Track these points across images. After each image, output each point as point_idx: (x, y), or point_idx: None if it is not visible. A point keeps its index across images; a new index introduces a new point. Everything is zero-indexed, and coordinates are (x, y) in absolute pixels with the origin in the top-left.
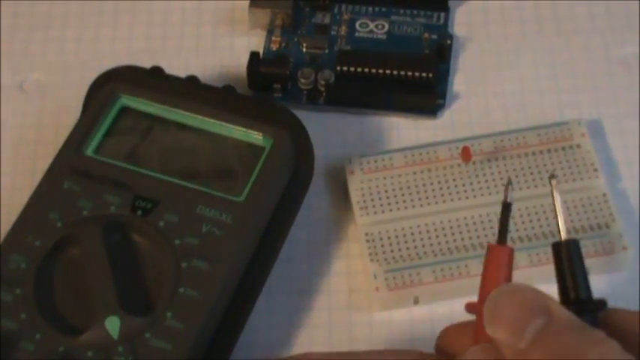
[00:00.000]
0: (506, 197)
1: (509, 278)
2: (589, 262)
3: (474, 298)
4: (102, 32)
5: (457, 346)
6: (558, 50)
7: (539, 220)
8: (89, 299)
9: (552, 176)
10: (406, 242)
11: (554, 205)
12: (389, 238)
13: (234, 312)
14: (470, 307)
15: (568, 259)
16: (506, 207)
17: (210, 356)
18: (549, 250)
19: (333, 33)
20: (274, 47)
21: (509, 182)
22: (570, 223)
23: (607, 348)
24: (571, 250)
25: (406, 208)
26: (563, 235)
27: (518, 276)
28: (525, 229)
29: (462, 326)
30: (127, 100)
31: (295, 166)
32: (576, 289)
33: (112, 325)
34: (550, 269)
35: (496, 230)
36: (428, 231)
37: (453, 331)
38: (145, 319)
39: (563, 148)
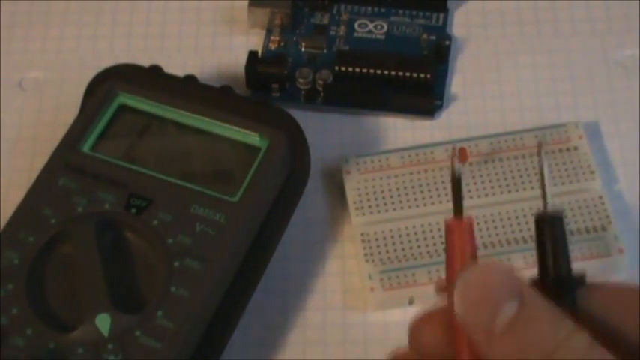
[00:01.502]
0: (453, 170)
1: (474, 250)
2: (585, 265)
3: None
4: (101, 30)
5: (429, 337)
6: (556, 52)
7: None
8: (81, 296)
9: (541, 144)
10: (402, 243)
11: (541, 173)
12: (384, 238)
13: (225, 312)
14: (440, 287)
15: (550, 234)
16: (457, 181)
17: (201, 355)
18: None
19: (331, 33)
20: (273, 47)
21: (454, 153)
22: (566, 225)
23: (575, 341)
24: (554, 224)
25: (402, 208)
26: (548, 208)
27: None
28: (521, 231)
29: (431, 315)
30: (124, 99)
31: (291, 168)
32: (557, 266)
33: (103, 322)
34: None
35: (492, 231)
36: (424, 232)
37: (423, 320)
38: (136, 317)
39: (560, 150)
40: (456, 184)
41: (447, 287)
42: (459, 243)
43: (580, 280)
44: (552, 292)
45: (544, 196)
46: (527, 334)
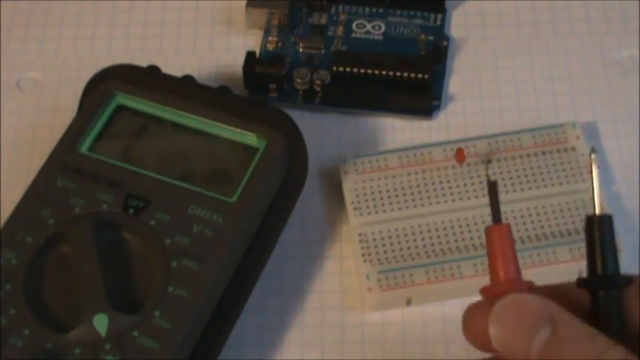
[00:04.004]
0: (488, 176)
1: (514, 254)
2: (583, 265)
3: (467, 300)
4: (99, 31)
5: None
6: (554, 53)
7: (532, 222)
8: (78, 296)
9: (593, 150)
10: (399, 243)
11: (592, 179)
12: (382, 238)
13: (223, 312)
14: (485, 292)
15: (600, 234)
16: (492, 185)
17: (199, 356)
18: (545, 251)
19: (329, 33)
20: (271, 47)
21: (489, 160)
22: (564, 225)
23: (611, 354)
24: (603, 225)
25: (400, 209)
26: (597, 210)
27: None
28: (519, 231)
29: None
30: (122, 99)
31: (289, 168)
32: (604, 264)
33: (101, 322)
34: (548, 270)
35: None
36: (421, 232)
37: (474, 312)
38: (134, 318)
39: (558, 151)
40: (492, 189)
41: (489, 289)
42: (500, 246)
43: (627, 279)
44: (600, 289)
45: (594, 200)
46: (563, 354)
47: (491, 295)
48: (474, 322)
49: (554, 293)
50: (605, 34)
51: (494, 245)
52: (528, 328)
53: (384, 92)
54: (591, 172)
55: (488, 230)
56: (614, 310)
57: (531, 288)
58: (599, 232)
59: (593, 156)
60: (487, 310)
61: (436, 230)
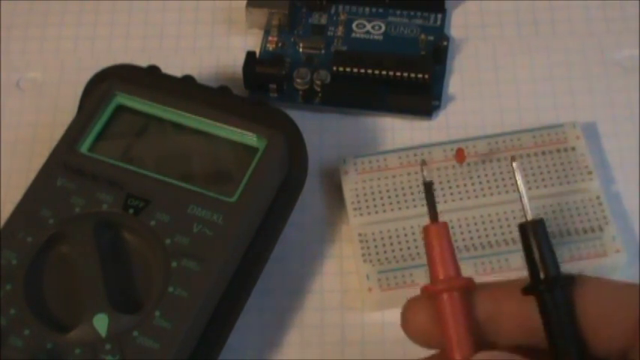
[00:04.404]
0: (424, 177)
1: (452, 252)
2: (582, 265)
3: None
4: (99, 31)
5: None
6: (554, 52)
7: None
8: (79, 296)
9: (513, 158)
10: (399, 243)
11: (518, 186)
12: (382, 238)
13: (223, 312)
14: (425, 290)
15: (535, 238)
16: (428, 186)
17: (199, 356)
18: None
19: (329, 33)
20: (271, 47)
21: (423, 162)
22: (564, 225)
23: None
24: (537, 229)
25: (400, 209)
26: (529, 216)
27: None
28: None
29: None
30: (122, 99)
31: (289, 168)
32: (545, 268)
33: (101, 322)
34: None
35: (490, 232)
36: (421, 232)
37: (412, 306)
38: (134, 318)
39: (558, 151)
40: (428, 189)
41: (430, 288)
42: (439, 243)
43: (570, 279)
44: (545, 292)
45: (523, 207)
46: None
47: (430, 293)
48: (414, 317)
49: (497, 293)
50: (605, 34)
51: (432, 244)
52: None
53: (384, 92)
54: (516, 181)
55: (425, 229)
56: (562, 310)
57: (470, 285)
58: (534, 237)
59: (514, 164)
60: (426, 305)
61: None
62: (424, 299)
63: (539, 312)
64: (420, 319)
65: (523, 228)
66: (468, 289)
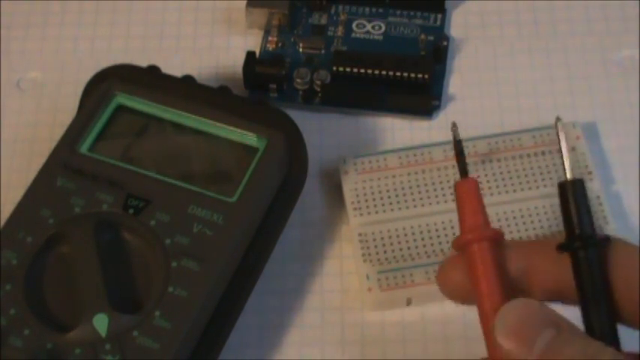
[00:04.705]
0: (455, 136)
1: (481, 205)
2: None
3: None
4: (99, 31)
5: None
6: (554, 52)
7: (532, 222)
8: (79, 296)
9: (558, 119)
10: (399, 243)
11: (560, 146)
12: (382, 238)
13: (223, 312)
14: (455, 242)
15: (573, 198)
16: (458, 143)
17: (199, 356)
18: None
19: (329, 33)
20: (271, 47)
21: (455, 125)
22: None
23: (603, 355)
24: (576, 189)
25: (400, 209)
26: (569, 175)
27: None
28: (519, 231)
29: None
30: (122, 99)
31: (289, 168)
32: (582, 227)
33: (101, 322)
34: None
35: None
36: (421, 232)
37: (449, 266)
38: (134, 318)
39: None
40: (458, 147)
41: (459, 242)
42: (468, 198)
43: (605, 239)
44: (579, 250)
45: (564, 166)
46: (563, 355)
47: (460, 244)
48: (449, 275)
49: (530, 249)
50: (605, 34)
51: (462, 198)
52: (533, 329)
53: (384, 92)
54: (559, 139)
55: (456, 185)
56: (596, 269)
57: (499, 236)
58: (572, 196)
59: (559, 124)
60: (459, 262)
61: (436, 230)
62: (458, 257)
63: (573, 270)
64: (455, 276)
65: (563, 187)
66: (497, 240)
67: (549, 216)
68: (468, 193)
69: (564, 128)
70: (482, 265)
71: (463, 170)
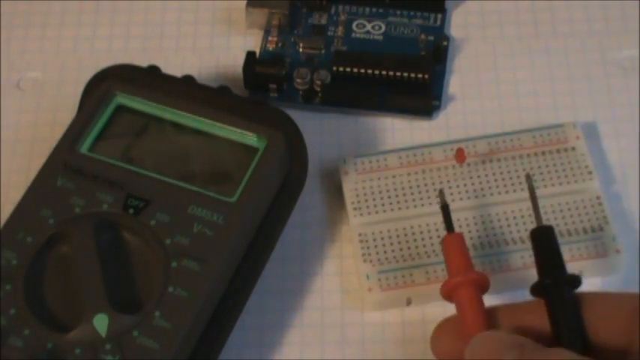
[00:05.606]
0: (441, 202)
1: (469, 259)
2: (583, 265)
3: None
4: (99, 31)
5: (447, 346)
6: (554, 52)
7: (532, 222)
8: (79, 296)
9: (529, 176)
10: (399, 243)
11: (532, 198)
12: (382, 238)
13: (223, 312)
14: (445, 292)
15: (546, 243)
16: (445, 208)
17: (199, 356)
18: None
19: (329, 33)
20: (271, 47)
21: (442, 192)
22: (564, 225)
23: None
24: (549, 234)
25: (400, 209)
26: (541, 222)
27: (514, 277)
28: (519, 232)
29: (447, 325)
30: (122, 99)
31: (289, 168)
32: (554, 269)
33: (101, 322)
34: None
35: (490, 232)
36: (421, 232)
37: (440, 331)
38: (134, 318)
39: (558, 151)
40: (445, 211)
41: (448, 288)
42: (456, 251)
43: (577, 279)
44: (553, 292)
45: (537, 213)
46: None
47: (449, 288)
48: (439, 341)
49: (510, 313)
50: (605, 34)
51: (448, 251)
52: (498, 352)
53: (384, 92)
54: (530, 193)
55: (443, 239)
56: (570, 308)
57: (484, 279)
58: (545, 241)
59: (529, 182)
60: (448, 328)
61: (436, 230)
62: (447, 323)
63: (547, 311)
64: (446, 343)
65: (535, 233)
66: (483, 284)
67: (549, 216)
68: (454, 246)
69: (530, 182)
70: (469, 305)
71: (450, 227)
